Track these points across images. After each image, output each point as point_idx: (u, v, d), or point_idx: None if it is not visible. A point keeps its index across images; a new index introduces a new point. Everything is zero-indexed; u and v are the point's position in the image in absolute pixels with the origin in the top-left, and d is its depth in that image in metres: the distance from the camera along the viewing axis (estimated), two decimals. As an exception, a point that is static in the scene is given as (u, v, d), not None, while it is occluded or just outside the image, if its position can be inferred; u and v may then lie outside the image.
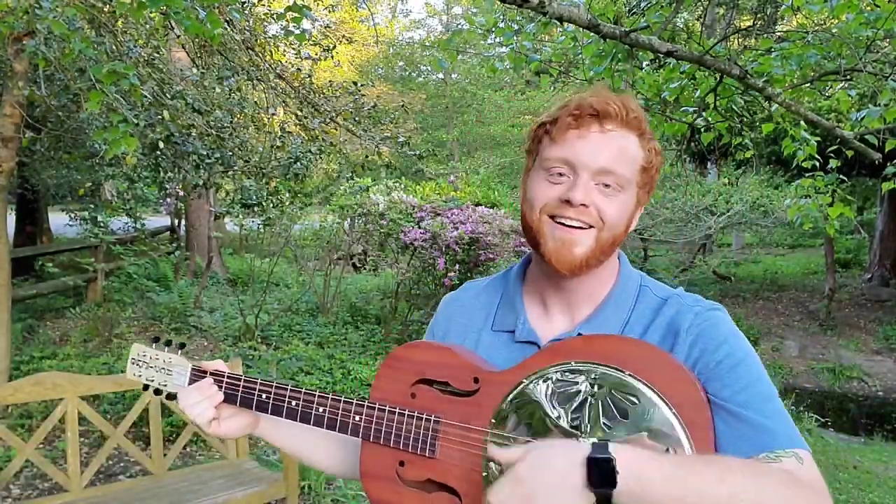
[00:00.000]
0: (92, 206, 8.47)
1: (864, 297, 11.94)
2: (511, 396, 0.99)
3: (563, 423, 0.94)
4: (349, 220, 8.38)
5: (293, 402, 1.14)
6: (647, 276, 1.14)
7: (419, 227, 7.39)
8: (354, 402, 1.11)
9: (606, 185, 1.01)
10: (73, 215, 8.70)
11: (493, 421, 1.00)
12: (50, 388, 3.26)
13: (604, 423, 0.92)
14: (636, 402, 0.92)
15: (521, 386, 0.99)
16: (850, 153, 3.92)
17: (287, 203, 7.51)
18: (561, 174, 1.02)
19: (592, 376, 0.95)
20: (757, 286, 12.85)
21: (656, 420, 0.90)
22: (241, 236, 12.46)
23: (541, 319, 1.10)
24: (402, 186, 9.02)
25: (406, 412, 1.07)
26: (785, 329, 10.80)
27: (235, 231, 11.68)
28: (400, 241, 7.48)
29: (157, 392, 1.27)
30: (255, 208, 7.40)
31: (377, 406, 1.09)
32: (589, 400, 0.94)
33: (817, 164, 4.09)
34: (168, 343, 1.28)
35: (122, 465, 4.65)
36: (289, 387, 1.15)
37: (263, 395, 1.17)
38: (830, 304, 10.96)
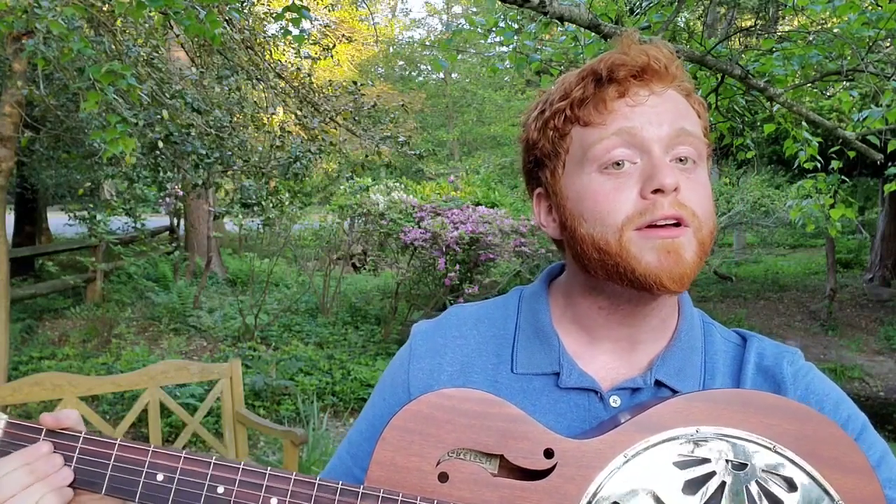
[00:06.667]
0: (91, 205, 8.46)
1: (865, 298, 11.93)
2: (610, 482, 0.68)
3: None
4: (349, 220, 8.38)
5: (220, 489, 0.69)
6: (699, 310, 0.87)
7: (419, 227, 7.39)
8: (339, 486, 0.68)
9: (682, 161, 0.74)
10: (72, 215, 8.69)
11: None
12: (49, 389, 3.25)
13: None
14: (795, 487, 0.67)
15: (624, 464, 0.68)
16: (851, 154, 3.91)
17: (287, 203, 7.50)
18: (619, 163, 0.73)
19: (726, 453, 0.68)
20: (758, 286, 12.83)
21: None
22: (240, 236, 12.46)
23: (584, 359, 0.81)
24: (402, 186, 9.02)
25: None
26: (786, 329, 10.78)
27: (235, 231, 11.68)
28: (400, 241, 7.48)
29: None
30: (255, 208, 7.40)
31: (381, 494, 0.68)
32: (727, 488, 0.67)
33: (819, 164, 4.08)
34: None
35: (120, 465, 4.64)
36: (212, 460, 0.70)
37: (158, 476, 0.69)
38: (831, 304, 10.93)
